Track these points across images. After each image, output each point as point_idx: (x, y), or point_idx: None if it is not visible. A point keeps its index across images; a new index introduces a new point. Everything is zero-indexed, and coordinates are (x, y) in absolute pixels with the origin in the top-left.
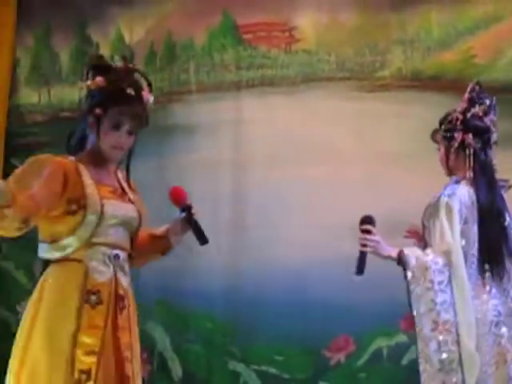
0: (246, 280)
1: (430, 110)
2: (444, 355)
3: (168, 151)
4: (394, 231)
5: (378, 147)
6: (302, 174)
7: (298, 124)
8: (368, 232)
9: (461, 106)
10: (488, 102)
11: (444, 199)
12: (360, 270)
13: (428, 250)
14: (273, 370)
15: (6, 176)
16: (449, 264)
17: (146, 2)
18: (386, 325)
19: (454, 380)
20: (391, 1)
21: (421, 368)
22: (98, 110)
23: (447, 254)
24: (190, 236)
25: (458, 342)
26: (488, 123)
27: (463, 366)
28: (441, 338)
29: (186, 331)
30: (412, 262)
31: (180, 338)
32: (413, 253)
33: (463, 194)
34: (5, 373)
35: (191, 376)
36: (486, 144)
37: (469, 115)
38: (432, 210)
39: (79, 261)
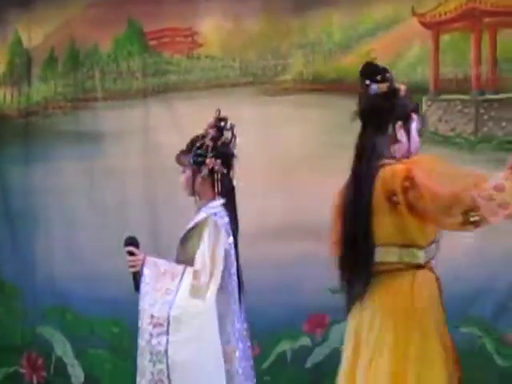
0: None
1: (332, 112)
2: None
3: (74, 157)
4: (299, 230)
5: (282, 151)
6: None
7: (202, 130)
8: (131, 254)
9: (209, 132)
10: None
11: (212, 218)
12: (136, 287)
13: None
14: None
15: None
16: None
17: (47, 6)
18: (289, 328)
19: None
20: (293, 5)
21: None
22: None
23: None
24: (96, 244)
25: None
26: (233, 150)
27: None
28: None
29: (90, 337)
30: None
31: (83, 344)
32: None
33: (224, 214)
34: None
35: (95, 381)
36: (230, 169)
37: (219, 143)
38: (197, 229)
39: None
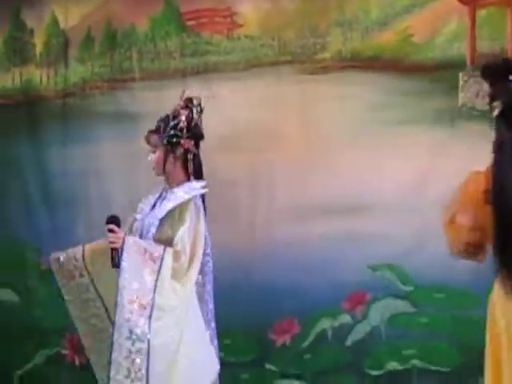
0: None
1: (370, 89)
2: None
3: (112, 138)
4: (345, 209)
5: (322, 129)
6: (249, 160)
7: (244, 110)
8: (112, 231)
9: (182, 113)
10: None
11: (193, 200)
12: (114, 264)
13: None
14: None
15: None
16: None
17: None
18: (329, 306)
19: None
20: None
21: None
22: None
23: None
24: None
25: None
26: (202, 131)
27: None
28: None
29: None
30: None
31: None
32: None
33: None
34: None
35: None
36: (199, 148)
37: (193, 123)
38: (177, 210)
39: None
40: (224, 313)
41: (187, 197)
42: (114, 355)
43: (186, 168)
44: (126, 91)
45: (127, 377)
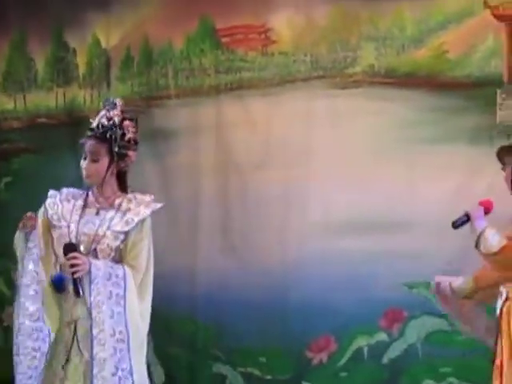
0: (227, 282)
1: (404, 106)
2: None
3: (148, 155)
4: (373, 225)
5: (352, 144)
6: (282, 175)
7: (277, 126)
8: (74, 258)
9: (128, 124)
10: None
11: (149, 217)
12: (77, 293)
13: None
14: (257, 372)
15: None
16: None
17: (123, 7)
18: (365, 323)
19: None
20: None
21: None
22: None
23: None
24: (171, 241)
25: None
26: None
27: None
28: None
29: (167, 335)
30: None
31: (162, 342)
32: None
33: None
34: None
35: (174, 380)
36: None
37: (137, 136)
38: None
39: None
40: (260, 331)
41: (148, 212)
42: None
43: (118, 179)
44: (162, 108)
45: None
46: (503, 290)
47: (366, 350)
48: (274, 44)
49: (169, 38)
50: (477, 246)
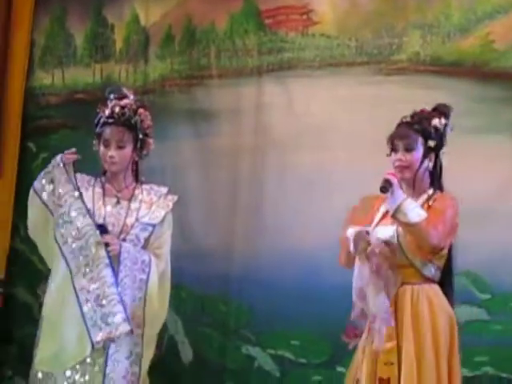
0: (262, 264)
1: (449, 95)
2: None
3: (188, 135)
4: None
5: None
6: (321, 158)
7: (317, 109)
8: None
9: (146, 113)
10: None
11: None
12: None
13: None
14: (289, 355)
15: (21, 159)
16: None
17: None
18: None
19: None
20: None
21: None
22: None
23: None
24: (207, 221)
25: None
26: None
27: None
28: None
29: (199, 315)
30: None
31: (193, 322)
32: None
33: None
34: (25, 356)
35: (203, 360)
36: None
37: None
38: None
39: None
40: (295, 314)
41: (171, 205)
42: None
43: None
44: (203, 88)
45: None
46: None
47: None
48: (315, 25)
49: (212, 18)
50: (394, 214)
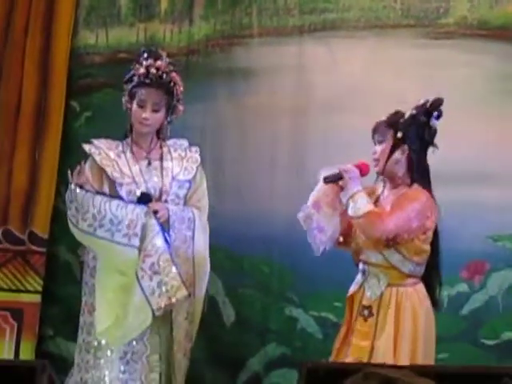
0: None
1: (497, 59)
2: None
3: (227, 94)
4: (462, 177)
5: (442, 96)
6: (362, 121)
7: (361, 70)
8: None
9: (178, 78)
10: None
11: None
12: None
13: None
14: (332, 317)
15: (66, 118)
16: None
17: None
18: (447, 274)
19: None
20: None
21: None
22: None
23: None
24: (246, 181)
25: None
26: None
27: None
28: None
29: (240, 275)
30: None
31: (234, 283)
32: None
33: None
34: (67, 316)
35: (245, 321)
36: None
37: None
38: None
39: None
40: (340, 276)
41: (198, 157)
42: None
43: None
44: (243, 47)
45: None
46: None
47: (446, 300)
48: None
49: None
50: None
